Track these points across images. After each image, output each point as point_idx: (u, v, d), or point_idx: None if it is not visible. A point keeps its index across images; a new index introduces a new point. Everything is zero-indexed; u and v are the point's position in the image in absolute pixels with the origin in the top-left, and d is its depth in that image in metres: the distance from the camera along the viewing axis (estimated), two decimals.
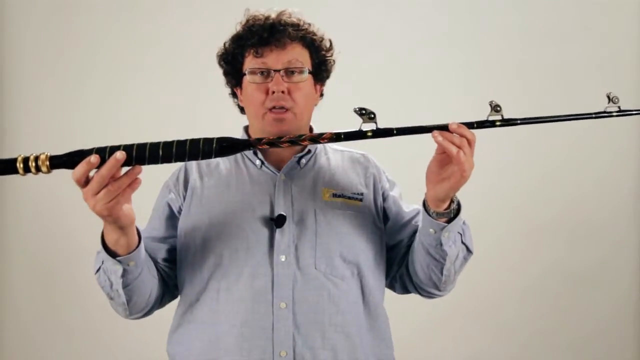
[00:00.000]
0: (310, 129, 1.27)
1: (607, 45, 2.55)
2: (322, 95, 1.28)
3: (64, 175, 2.57)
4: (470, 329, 2.54)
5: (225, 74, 1.24)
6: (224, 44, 1.22)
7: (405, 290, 1.27)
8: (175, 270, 1.21)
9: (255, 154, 1.21)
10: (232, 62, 1.21)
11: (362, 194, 1.19)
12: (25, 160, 0.91)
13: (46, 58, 2.52)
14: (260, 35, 1.14)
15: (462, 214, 1.08)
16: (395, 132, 0.99)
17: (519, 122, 1.00)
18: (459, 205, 1.07)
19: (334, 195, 1.17)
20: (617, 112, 1.00)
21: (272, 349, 1.07)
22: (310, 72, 1.18)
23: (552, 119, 1.03)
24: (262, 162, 1.20)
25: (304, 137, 0.99)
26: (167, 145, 0.95)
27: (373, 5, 2.54)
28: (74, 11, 2.52)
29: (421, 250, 1.12)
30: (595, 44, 2.55)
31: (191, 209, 1.18)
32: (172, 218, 1.21)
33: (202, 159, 0.96)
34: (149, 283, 1.13)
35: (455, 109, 2.52)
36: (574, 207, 2.54)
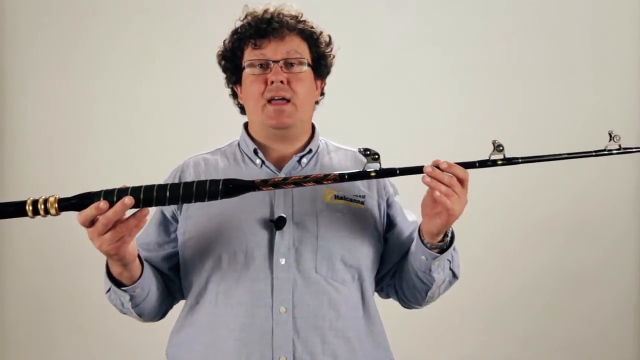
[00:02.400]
0: (313, 127, 1.25)
1: (607, 45, 2.54)
2: (323, 93, 1.27)
3: (62, 176, 2.57)
4: (468, 329, 2.53)
5: (225, 70, 1.23)
6: (223, 42, 1.21)
7: (387, 297, 1.29)
8: (176, 273, 1.20)
9: (256, 152, 1.19)
10: (231, 58, 1.20)
11: (364, 197, 1.17)
12: (34, 203, 0.92)
13: (47, 58, 2.51)
14: (259, 26, 1.14)
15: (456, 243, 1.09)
16: (398, 172, 1.00)
17: (520, 160, 1.01)
18: (452, 236, 1.08)
19: (336, 197, 1.14)
20: (617, 150, 1.03)
21: (271, 354, 1.05)
22: (309, 66, 1.17)
23: (553, 157, 1.05)
24: (263, 162, 1.18)
25: (309, 178, 0.99)
26: (174, 187, 0.96)
27: (373, 6, 2.53)
28: (75, 12, 2.51)
29: (410, 271, 1.14)
30: (595, 44, 2.53)
31: (189, 211, 1.15)
32: (166, 223, 1.20)
33: (208, 200, 0.97)
34: (158, 296, 1.15)
35: (454, 109, 2.53)
36: (573, 207, 2.53)
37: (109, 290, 1.10)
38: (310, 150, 1.21)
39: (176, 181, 1.20)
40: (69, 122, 2.51)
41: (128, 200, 0.92)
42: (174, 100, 2.49)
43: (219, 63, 1.23)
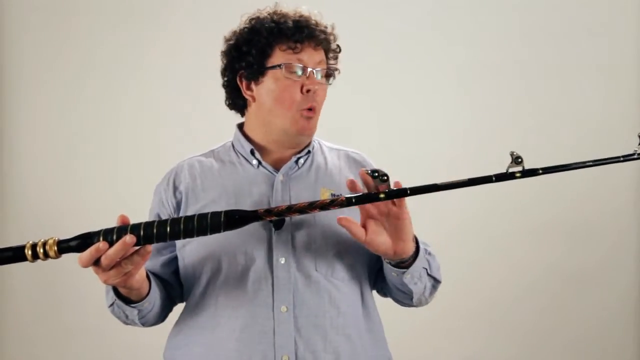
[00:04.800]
0: None
1: (607, 45, 2.54)
2: None
3: (61, 178, 2.57)
4: (469, 329, 2.53)
5: (245, 66, 1.15)
6: (241, 34, 1.15)
7: (385, 296, 1.28)
8: (176, 277, 1.20)
9: (253, 153, 1.19)
10: (256, 54, 1.13)
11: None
12: (33, 246, 0.91)
13: (46, 58, 2.52)
14: (299, 29, 1.11)
15: (423, 249, 1.08)
16: (408, 192, 0.96)
17: (540, 172, 0.95)
18: (417, 243, 1.06)
19: (333, 196, 1.14)
20: None
21: (273, 354, 1.05)
22: None
23: (576, 165, 0.96)
24: (260, 162, 1.18)
25: (315, 205, 0.96)
26: (175, 221, 0.94)
27: (372, 5, 2.53)
28: (73, 11, 2.51)
29: (390, 284, 1.14)
30: (595, 44, 2.54)
31: (187, 214, 1.15)
32: None
33: (210, 233, 0.95)
34: (161, 304, 1.15)
35: (454, 108, 2.54)
36: (574, 207, 2.53)
37: (112, 304, 1.09)
38: (308, 152, 1.21)
39: (171, 184, 1.19)
40: (63, 125, 2.52)
41: (129, 239, 0.90)
42: (169, 102, 2.50)
43: (230, 53, 1.17)
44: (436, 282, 1.14)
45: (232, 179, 1.17)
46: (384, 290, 1.26)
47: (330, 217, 1.12)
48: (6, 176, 2.52)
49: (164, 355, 1.18)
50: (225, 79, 1.21)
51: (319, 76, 1.14)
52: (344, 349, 1.09)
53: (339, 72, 1.22)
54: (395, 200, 0.98)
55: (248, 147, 1.19)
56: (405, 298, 1.16)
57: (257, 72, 1.14)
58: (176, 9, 2.52)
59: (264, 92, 1.15)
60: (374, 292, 1.25)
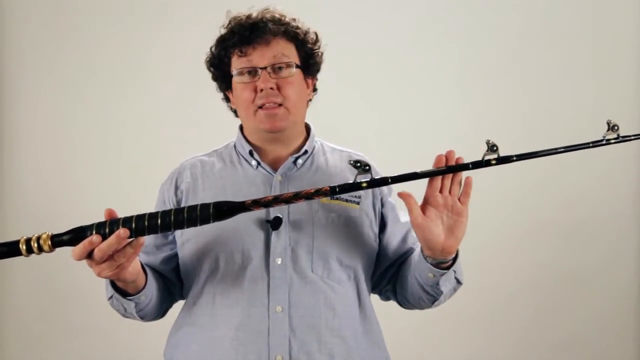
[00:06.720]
0: (307, 127, 1.26)
1: (607, 45, 2.53)
2: (315, 90, 1.26)
3: (61, 176, 2.57)
4: (466, 328, 2.53)
5: (214, 78, 1.23)
6: (210, 49, 1.21)
7: (388, 300, 1.29)
8: (176, 274, 1.21)
9: (252, 154, 1.19)
10: (219, 65, 1.20)
11: (359, 197, 1.17)
12: (28, 241, 0.92)
13: (46, 58, 2.52)
14: (242, 34, 1.13)
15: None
16: (390, 180, 0.98)
17: (514, 158, 0.99)
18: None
19: (332, 198, 1.14)
20: (614, 139, 0.98)
21: (267, 353, 1.06)
22: (298, 66, 1.17)
23: (548, 152, 1.02)
24: (259, 163, 1.19)
25: (300, 195, 0.97)
26: (165, 214, 0.95)
27: (373, 6, 2.53)
28: (73, 11, 2.52)
29: (415, 285, 1.13)
30: (595, 43, 2.53)
31: None
32: None
33: (200, 224, 0.96)
34: (159, 298, 1.16)
35: (454, 108, 2.54)
36: (573, 206, 2.53)
37: (111, 297, 1.10)
38: (306, 151, 1.21)
39: (173, 184, 1.21)
40: (63, 125, 2.52)
41: (123, 232, 0.91)
42: (169, 101, 2.50)
43: (208, 69, 1.24)
44: (458, 284, 1.14)
45: (231, 179, 1.18)
46: (388, 294, 1.26)
47: (327, 219, 1.13)
48: (6, 176, 2.53)
49: (164, 353, 1.19)
50: (219, 91, 1.26)
51: (275, 72, 1.13)
52: (338, 351, 1.09)
53: (321, 55, 1.22)
54: (461, 197, 1.01)
55: (247, 147, 1.20)
56: (426, 300, 1.15)
57: (225, 82, 1.21)
58: (178, 9, 2.53)
59: (234, 99, 1.20)
60: (373, 295, 1.25)
